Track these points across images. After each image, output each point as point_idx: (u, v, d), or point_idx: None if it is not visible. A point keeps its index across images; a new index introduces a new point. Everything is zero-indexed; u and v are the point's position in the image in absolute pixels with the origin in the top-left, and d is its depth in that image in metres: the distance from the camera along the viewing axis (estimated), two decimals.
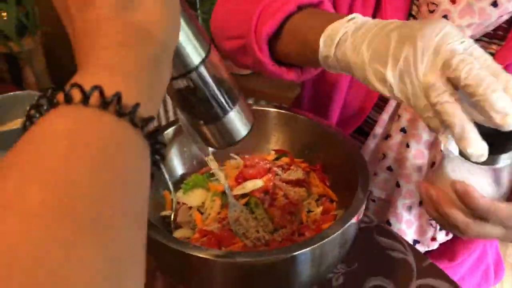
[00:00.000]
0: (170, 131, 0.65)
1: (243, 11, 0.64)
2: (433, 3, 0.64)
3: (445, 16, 0.63)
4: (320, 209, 0.62)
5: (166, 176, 0.62)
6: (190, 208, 0.64)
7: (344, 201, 0.62)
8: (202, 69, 0.40)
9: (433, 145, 0.70)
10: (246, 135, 0.47)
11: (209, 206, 0.63)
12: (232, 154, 0.69)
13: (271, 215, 0.59)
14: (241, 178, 0.63)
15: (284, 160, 0.68)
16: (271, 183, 0.62)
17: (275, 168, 0.65)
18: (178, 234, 0.60)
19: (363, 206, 0.53)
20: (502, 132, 0.41)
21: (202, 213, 0.63)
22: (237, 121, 0.45)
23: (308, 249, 0.47)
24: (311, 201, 0.63)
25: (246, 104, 0.46)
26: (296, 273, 0.50)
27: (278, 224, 0.59)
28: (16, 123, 0.79)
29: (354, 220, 0.50)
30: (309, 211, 0.62)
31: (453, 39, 0.42)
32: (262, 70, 0.63)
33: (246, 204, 0.61)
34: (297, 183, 0.63)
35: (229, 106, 0.44)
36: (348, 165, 0.59)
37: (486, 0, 0.61)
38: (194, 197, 0.64)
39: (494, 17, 0.62)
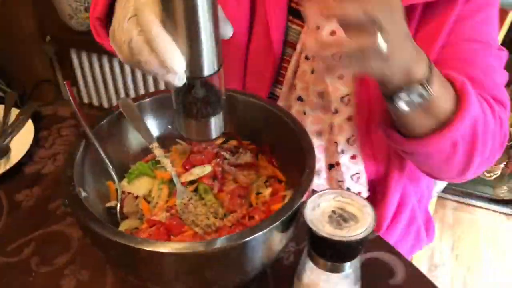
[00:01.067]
0: (110, 119, 0.62)
1: None
2: None
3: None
4: (269, 190, 0.62)
5: (109, 165, 0.60)
6: (137, 197, 0.62)
7: (292, 181, 0.63)
8: (216, 77, 0.47)
9: (327, 109, 0.77)
10: (219, 136, 0.53)
11: (156, 195, 0.61)
12: (178, 140, 0.67)
13: (221, 200, 0.59)
14: (189, 165, 0.62)
15: (232, 143, 0.67)
16: (220, 168, 0.61)
17: (223, 152, 0.63)
18: (125, 225, 0.59)
19: (311, 186, 0.53)
20: (346, 244, 0.44)
21: (149, 202, 0.61)
22: (217, 123, 0.52)
23: (259, 233, 0.47)
24: (260, 183, 0.62)
25: (225, 116, 0.53)
26: (249, 259, 0.50)
27: (229, 209, 0.58)
28: None
29: (303, 199, 0.51)
30: (258, 193, 0.62)
31: None
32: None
33: (195, 191, 0.60)
34: (245, 166, 0.63)
35: (216, 111, 0.50)
36: (294, 145, 0.59)
37: None
38: (140, 186, 0.62)
39: None
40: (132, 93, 1.99)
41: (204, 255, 0.46)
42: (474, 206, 1.89)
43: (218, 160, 0.62)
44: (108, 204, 0.60)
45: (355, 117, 0.76)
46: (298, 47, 0.76)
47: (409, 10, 0.68)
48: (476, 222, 1.84)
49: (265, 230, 0.47)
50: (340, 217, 0.48)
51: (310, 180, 0.53)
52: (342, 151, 0.77)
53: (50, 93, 2.14)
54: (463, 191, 1.90)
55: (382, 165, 0.80)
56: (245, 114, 0.66)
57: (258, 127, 0.66)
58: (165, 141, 0.65)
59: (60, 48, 2.00)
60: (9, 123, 0.81)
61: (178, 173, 0.61)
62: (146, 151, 0.66)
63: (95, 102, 2.11)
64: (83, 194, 0.53)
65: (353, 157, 0.78)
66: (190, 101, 0.49)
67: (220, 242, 0.46)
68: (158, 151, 0.61)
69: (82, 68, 2.00)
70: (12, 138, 0.79)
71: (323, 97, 0.76)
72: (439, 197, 1.88)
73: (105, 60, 1.93)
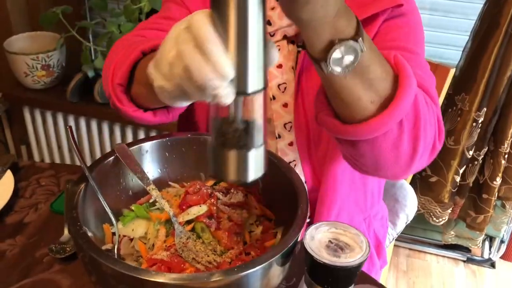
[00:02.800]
0: (107, 161, 0.64)
1: (108, 63, 0.69)
2: None
3: (268, 21, 0.78)
4: (260, 228, 0.65)
5: (107, 207, 0.61)
6: (132, 239, 0.63)
7: (281, 219, 0.66)
8: (259, 99, 0.44)
9: (272, 134, 0.82)
10: (258, 178, 0.47)
11: (152, 236, 0.62)
12: (170, 183, 0.70)
13: (218, 238, 0.61)
14: (185, 205, 0.64)
15: (222, 184, 0.70)
16: (215, 207, 0.64)
17: (216, 193, 0.66)
18: None
19: (305, 225, 0.57)
20: (346, 269, 0.49)
21: (145, 244, 0.62)
22: (259, 160, 0.47)
23: (259, 266, 0.50)
24: (251, 221, 0.66)
25: (266, 154, 0.48)
26: None
27: (226, 246, 0.61)
28: None
29: (298, 237, 0.54)
30: (250, 231, 0.65)
31: None
32: (129, 118, 0.67)
33: (192, 230, 0.62)
34: (238, 205, 0.66)
35: (258, 142, 0.46)
36: (283, 184, 0.64)
37: None
38: (135, 228, 0.63)
39: None
40: (86, 150, 1.97)
41: (209, 285, 0.48)
42: (425, 252, 1.99)
43: (212, 200, 0.65)
44: (104, 247, 0.61)
45: (296, 142, 0.82)
46: None
47: None
48: (428, 268, 1.93)
49: (265, 263, 0.51)
50: (337, 246, 0.52)
51: (303, 219, 0.57)
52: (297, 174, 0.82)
53: None
54: (415, 238, 1.99)
55: (323, 188, 0.84)
56: None
57: None
58: (158, 184, 0.68)
59: (11, 105, 1.96)
60: None
61: (175, 214, 0.63)
62: (137, 195, 0.68)
63: (47, 159, 2.07)
64: (89, 233, 0.54)
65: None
66: (229, 127, 0.45)
67: (224, 274, 0.49)
68: (155, 192, 0.63)
69: (34, 126, 1.96)
70: None
71: (269, 123, 0.83)
72: (394, 245, 1.96)
73: (59, 118, 1.91)
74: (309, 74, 0.79)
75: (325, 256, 0.50)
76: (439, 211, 1.67)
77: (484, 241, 1.89)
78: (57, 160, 2.06)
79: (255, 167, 0.47)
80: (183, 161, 0.71)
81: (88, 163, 0.63)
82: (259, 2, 0.41)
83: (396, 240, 1.96)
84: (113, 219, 0.61)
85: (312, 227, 0.53)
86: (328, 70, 0.51)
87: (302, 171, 0.85)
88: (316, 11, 0.47)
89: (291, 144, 0.83)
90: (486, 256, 1.91)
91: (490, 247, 1.89)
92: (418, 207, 1.63)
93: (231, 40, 0.42)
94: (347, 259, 0.50)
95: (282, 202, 0.65)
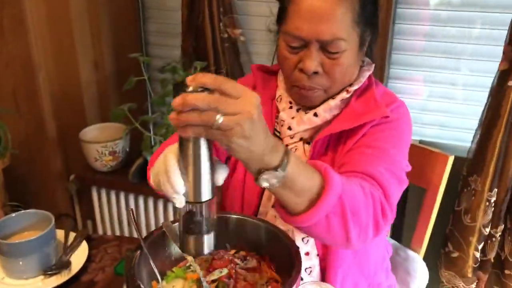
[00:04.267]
0: (156, 234, 0.87)
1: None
2: (282, 120, 1.06)
3: (289, 127, 1.05)
4: None
5: (155, 269, 0.84)
6: None
7: (287, 281, 0.85)
8: (210, 204, 0.69)
9: None
10: (207, 254, 0.73)
11: None
12: None
13: None
14: (212, 268, 0.86)
15: (242, 253, 0.91)
16: (234, 270, 0.85)
17: (235, 260, 0.88)
18: None
19: (298, 281, 0.76)
20: None
21: None
22: (211, 240, 0.72)
23: None
24: (263, 283, 0.86)
25: (216, 236, 0.72)
26: None
27: None
28: (22, 237, 0.98)
29: None
30: None
31: None
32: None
33: (216, 287, 0.83)
34: (252, 269, 0.87)
35: (209, 231, 0.71)
36: (287, 254, 0.84)
37: (310, 113, 1.01)
38: (175, 285, 0.85)
39: (318, 123, 1.02)
40: (143, 223, 2.22)
41: None
42: None
43: (232, 265, 0.86)
44: None
45: None
46: None
47: (337, 142, 1.01)
48: None
49: None
50: None
51: (297, 277, 0.76)
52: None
53: (67, 226, 2.36)
54: None
55: (330, 258, 1.03)
56: (253, 232, 0.91)
57: (261, 242, 0.91)
58: None
59: (81, 186, 2.26)
60: (69, 243, 1.06)
61: (204, 275, 0.84)
62: (177, 260, 0.91)
63: (109, 232, 2.33)
64: (142, 286, 0.76)
65: (307, 253, 1.03)
66: (190, 221, 0.69)
67: None
68: (190, 258, 0.85)
69: (100, 203, 2.25)
70: (71, 255, 1.03)
71: None
72: None
73: (121, 196, 2.19)
74: None
75: None
76: (463, 285, 1.76)
77: None
78: (117, 233, 2.32)
79: (208, 245, 0.71)
80: None
81: (144, 234, 0.87)
82: (207, 150, 0.65)
83: None
84: (159, 278, 0.83)
85: (301, 285, 0.73)
86: (260, 185, 0.72)
87: (314, 243, 1.04)
88: (244, 154, 0.67)
89: None
90: None
91: None
92: (443, 282, 1.75)
93: (189, 171, 0.66)
94: None
95: (287, 268, 0.85)
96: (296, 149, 1.04)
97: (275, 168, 0.70)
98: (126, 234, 2.29)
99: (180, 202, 0.68)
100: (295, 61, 0.98)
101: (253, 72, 1.17)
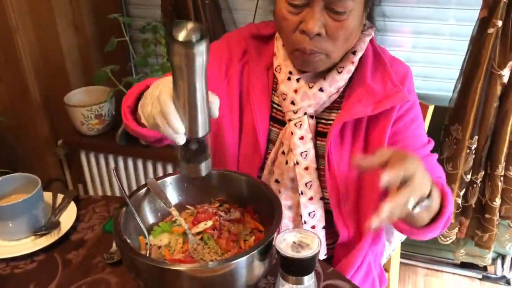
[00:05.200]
0: (141, 192, 0.90)
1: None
2: (283, 93, 1.01)
3: (292, 102, 1.00)
4: (252, 238, 0.88)
5: (141, 224, 0.86)
6: (159, 247, 0.87)
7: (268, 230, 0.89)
8: (205, 138, 0.72)
9: (295, 190, 1.05)
10: (206, 175, 0.75)
11: (174, 244, 0.87)
12: (187, 206, 0.94)
13: (220, 244, 0.85)
14: (196, 221, 0.89)
15: (225, 206, 0.94)
16: (218, 222, 0.88)
17: (219, 212, 0.91)
18: None
19: (279, 228, 0.79)
20: (302, 260, 0.70)
21: (169, 250, 0.86)
22: (206, 165, 0.75)
23: (243, 257, 0.72)
24: (246, 233, 0.89)
25: (211, 162, 0.76)
26: (236, 278, 0.74)
27: (225, 250, 0.84)
28: (10, 200, 1.00)
29: (274, 236, 0.77)
30: (245, 240, 0.88)
31: None
32: (133, 132, 0.93)
33: (201, 239, 0.86)
34: (236, 221, 0.90)
35: (206, 158, 0.74)
36: (270, 205, 0.86)
37: (315, 88, 0.98)
38: (162, 239, 0.88)
39: (324, 98, 0.99)
40: (133, 184, 2.25)
41: (206, 271, 0.71)
42: (442, 271, 2.12)
43: (216, 217, 0.89)
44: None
45: (330, 199, 1.04)
46: (277, 144, 1.06)
47: (357, 122, 1.00)
48: (445, 286, 2.06)
49: (247, 255, 0.73)
50: (299, 246, 0.74)
51: (278, 224, 0.79)
52: (305, 222, 1.05)
53: (58, 190, 2.38)
54: (431, 258, 2.14)
55: (351, 232, 1.07)
56: (236, 186, 0.94)
57: (244, 195, 0.94)
58: (178, 207, 0.92)
59: (70, 150, 2.27)
60: (57, 205, 1.08)
61: (189, 228, 0.87)
62: (163, 215, 0.93)
63: (100, 194, 2.37)
64: (129, 241, 0.79)
65: (313, 227, 1.06)
66: (190, 152, 0.72)
67: (218, 263, 0.72)
68: (175, 213, 0.88)
69: (89, 167, 2.27)
70: (60, 215, 1.05)
71: (293, 182, 1.05)
72: (411, 264, 2.12)
73: (110, 159, 2.21)
74: (337, 147, 1.02)
75: (289, 252, 0.72)
76: (445, 231, 1.82)
77: (496, 259, 2.01)
78: (108, 194, 2.35)
79: (205, 168, 0.74)
80: (197, 189, 0.96)
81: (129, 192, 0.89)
82: (202, 85, 0.66)
83: (413, 259, 2.13)
84: (146, 233, 0.86)
85: (282, 232, 0.76)
86: (413, 214, 0.75)
87: (334, 222, 1.06)
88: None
89: (311, 199, 1.05)
90: (499, 273, 2.03)
91: (503, 264, 2.01)
92: None
93: (185, 110, 0.68)
94: (303, 254, 0.72)
95: (269, 219, 0.88)
96: (301, 125, 1.01)
97: (428, 196, 0.77)
98: (117, 196, 2.32)
99: (181, 140, 0.70)
100: (296, 22, 0.91)
101: (246, 41, 1.08)
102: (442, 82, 1.89)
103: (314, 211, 1.05)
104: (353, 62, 0.99)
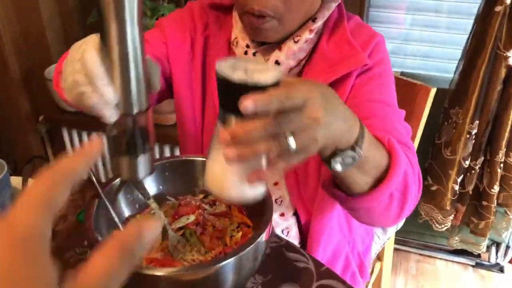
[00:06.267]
0: (117, 181, 0.81)
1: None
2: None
3: (276, 61, 0.90)
4: (239, 234, 0.80)
5: (116, 218, 0.78)
6: None
7: (258, 226, 0.81)
8: (144, 117, 0.56)
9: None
10: (143, 178, 0.61)
11: None
12: (168, 197, 0.86)
13: (203, 241, 0.77)
14: (177, 215, 0.80)
15: (210, 198, 0.86)
16: (201, 217, 0.80)
17: (203, 205, 0.82)
18: None
19: (268, 227, 0.71)
20: (256, 90, 0.49)
21: None
22: (145, 163, 0.60)
23: (230, 260, 0.64)
24: (233, 228, 0.81)
25: (153, 157, 0.61)
26: (222, 280, 0.67)
27: (209, 248, 0.76)
28: None
29: (263, 236, 0.69)
30: (231, 236, 0.80)
31: None
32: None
33: (183, 235, 0.78)
34: (221, 214, 0.81)
35: (145, 150, 0.59)
36: None
37: (271, 61, 0.90)
38: None
39: (282, 70, 0.89)
40: None
41: (188, 276, 0.63)
42: (435, 257, 2.08)
43: (200, 210, 0.81)
44: None
45: (286, 182, 0.96)
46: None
47: None
48: (437, 272, 2.02)
49: (234, 257, 0.65)
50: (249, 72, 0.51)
51: (266, 223, 0.71)
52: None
53: (40, 168, 2.30)
54: (424, 244, 2.09)
55: (314, 222, 0.98)
56: None
57: None
58: (158, 198, 0.84)
59: (52, 127, 2.18)
60: None
61: (170, 222, 0.79)
62: (141, 207, 0.85)
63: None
64: (100, 238, 0.71)
65: (282, 214, 0.99)
66: (121, 140, 0.56)
67: (199, 267, 0.64)
68: (154, 205, 0.79)
69: (72, 145, 2.18)
70: None
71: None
72: (403, 250, 2.07)
73: (94, 137, 2.12)
74: None
75: (236, 77, 0.49)
76: (441, 218, 1.77)
77: (491, 246, 1.97)
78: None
79: (144, 168, 0.59)
80: (179, 179, 0.87)
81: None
82: (138, 39, 0.52)
83: (406, 245, 2.07)
84: (120, 226, 0.78)
85: (227, 60, 0.55)
86: (332, 169, 0.64)
87: (292, 205, 0.99)
88: (326, 138, 0.57)
89: (276, 184, 0.98)
90: (493, 261, 1.99)
91: (497, 252, 1.97)
92: (422, 214, 1.75)
93: (116, 73, 0.53)
94: (259, 79, 0.50)
95: (257, 212, 0.80)
96: None
97: (352, 147, 0.62)
98: (102, 174, 2.24)
99: (112, 115, 0.55)
100: None
101: (206, 12, 1.00)
102: (442, 62, 1.81)
103: (280, 197, 0.99)
104: (311, 30, 0.88)
